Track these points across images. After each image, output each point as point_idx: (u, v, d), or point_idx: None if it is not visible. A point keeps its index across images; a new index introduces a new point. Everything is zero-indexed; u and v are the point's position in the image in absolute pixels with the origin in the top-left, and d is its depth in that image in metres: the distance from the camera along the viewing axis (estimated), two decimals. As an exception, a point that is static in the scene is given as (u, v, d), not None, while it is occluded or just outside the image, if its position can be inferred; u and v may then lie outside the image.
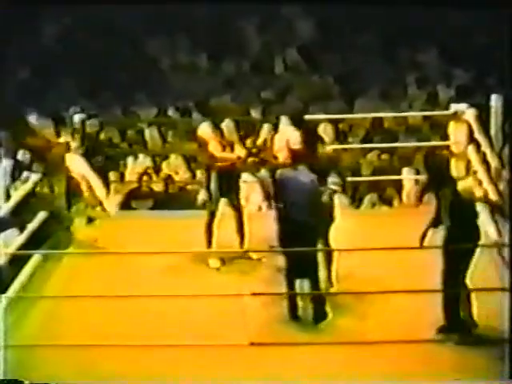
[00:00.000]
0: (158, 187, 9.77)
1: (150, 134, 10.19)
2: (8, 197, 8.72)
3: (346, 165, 9.81)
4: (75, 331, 6.87)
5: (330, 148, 7.35)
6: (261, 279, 7.53)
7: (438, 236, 6.90)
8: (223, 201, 7.96)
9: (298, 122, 7.92)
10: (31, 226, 8.13)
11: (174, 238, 8.01)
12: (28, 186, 8.53)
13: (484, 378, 6.23)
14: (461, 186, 6.79)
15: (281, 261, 7.58)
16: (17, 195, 8.31)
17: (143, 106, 10.74)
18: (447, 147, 9.45)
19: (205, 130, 8.01)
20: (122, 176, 9.81)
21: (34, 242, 7.97)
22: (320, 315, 7.07)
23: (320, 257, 7.24)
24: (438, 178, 6.89)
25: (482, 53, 9.88)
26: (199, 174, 8.69)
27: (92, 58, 10.92)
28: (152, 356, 6.50)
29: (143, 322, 6.93)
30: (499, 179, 8.16)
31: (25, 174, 9.09)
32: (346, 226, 7.65)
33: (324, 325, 7.01)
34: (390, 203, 9.78)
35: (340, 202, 8.13)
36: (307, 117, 8.11)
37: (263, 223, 7.92)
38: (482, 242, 7.82)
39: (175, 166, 9.76)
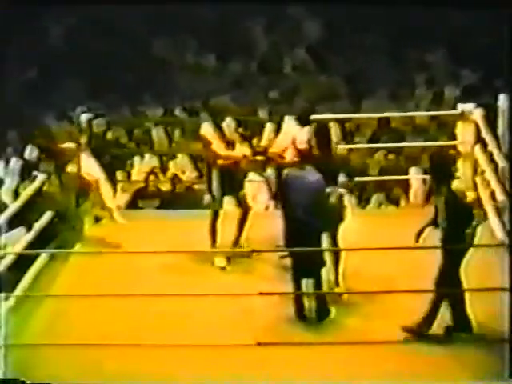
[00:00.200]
0: (164, 187, 9.78)
1: (157, 133, 10.21)
2: (16, 196, 8.74)
3: (354, 165, 9.81)
4: (81, 330, 6.87)
5: (338, 148, 7.33)
6: (267, 278, 7.54)
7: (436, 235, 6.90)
8: (227, 199, 7.96)
9: (305, 121, 7.91)
10: (38, 225, 8.14)
11: (181, 237, 8.01)
12: (35, 185, 8.54)
13: (484, 378, 6.21)
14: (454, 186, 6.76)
15: (287, 260, 7.58)
16: (24, 194, 8.33)
17: (150, 105, 10.76)
18: (454, 147, 9.45)
19: (207, 129, 8.01)
20: (128, 175, 9.83)
21: (41, 241, 7.98)
22: (326, 315, 7.06)
23: (327, 256, 7.23)
24: (438, 176, 6.87)
25: (489, 53, 9.86)
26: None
27: (99, 59, 10.94)
28: (158, 356, 6.49)
29: (149, 322, 6.93)
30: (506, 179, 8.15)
31: (33, 173, 9.12)
32: (353, 225, 7.63)
33: (330, 324, 7.00)
34: (396, 203, 9.77)
35: (348, 202, 8.12)
36: (313, 117, 8.09)
37: (270, 222, 7.92)
38: (488, 241, 7.82)
39: (182, 166, 9.78)
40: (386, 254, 7.06)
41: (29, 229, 8.13)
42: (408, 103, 10.59)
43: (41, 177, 8.69)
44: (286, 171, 7.14)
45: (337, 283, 7.30)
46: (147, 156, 9.86)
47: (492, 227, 8.20)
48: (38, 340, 6.78)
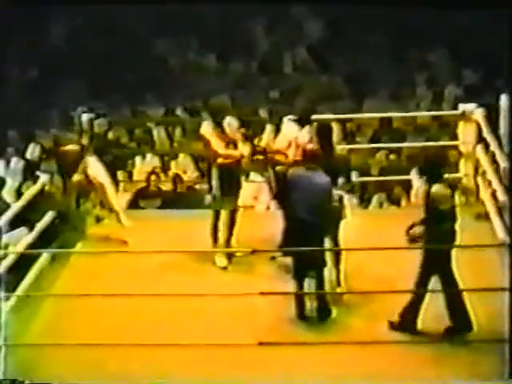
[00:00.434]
0: (166, 186, 9.77)
1: (158, 133, 10.21)
2: (18, 196, 8.74)
3: (355, 165, 9.81)
4: (82, 330, 6.86)
5: (338, 148, 7.32)
6: (268, 278, 7.53)
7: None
8: (227, 199, 7.94)
9: (305, 121, 7.90)
10: (40, 225, 8.13)
11: (182, 237, 8.00)
12: (37, 185, 8.54)
13: (484, 378, 6.21)
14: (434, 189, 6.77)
15: (288, 260, 7.58)
16: (27, 195, 8.32)
17: (151, 105, 10.77)
18: (456, 147, 9.44)
19: (207, 127, 7.99)
20: (130, 175, 9.83)
21: (42, 241, 7.97)
22: (327, 314, 7.06)
23: (328, 256, 7.22)
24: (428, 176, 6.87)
25: (490, 53, 9.86)
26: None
27: (100, 59, 10.95)
28: (160, 355, 6.49)
29: (150, 321, 6.92)
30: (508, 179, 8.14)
31: (36, 173, 9.11)
32: (355, 225, 7.63)
33: (332, 324, 6.99)
34: (398, 203, 9.76)
35: (347, 202, 8.11)
36: (314, 117, 8.08)
37: (271, 222, 7.91)
38: (489, 241, 7.81)
39: (183, 166, 9.77)
40: (387, 254, 7.05)
41: (31, 229, 8.12)
42: (409, 103, 10.60)
43: (43, 177, 8.67)
44: (290, 171, 7.11)
45: (338, 283, 7.29)
46: (148, 156, 9.85)
47: (494, 227, 8.21)
48: (40, 340, 6.78)
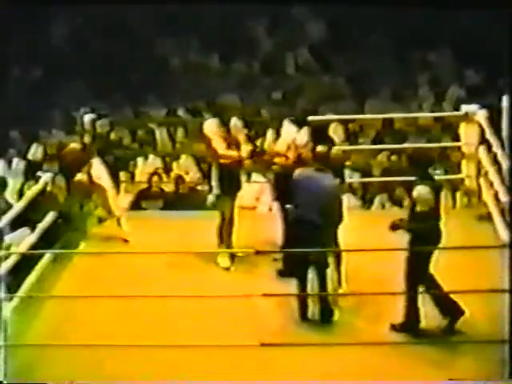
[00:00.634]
0: (168, 187, 9.77)
1: (161, 134, 10.21)
2: (20, 196, 8.73)
3: (357, 165, 9.81)
4: (84, 331, 6.87)
5: (337, 149, 7.31)
6: (271, 279, 7.53)
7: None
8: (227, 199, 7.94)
9: (303, 123, 7.90)
10: (42, 226, 8.14)
11: (184, 238, 8.01)
12: (39, 185, 8.54)
13: (484, 378, 6.21)
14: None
15: (280, 263, 7.61)
16: (28, 195, 8.32)
17: (154, 106, 10.77)
18: (458, 148, 9.44)
19: (209, 126, 7.98)
20: (132, 176, 9.83)
21: (44, 242, 7.97)
22: (329, 316, 7.06)
23: (330, 258, 7.22)
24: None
25: (493, 54, 9.86)
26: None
27: (102, 59, 10.94)
28: (161, 356, 6.49)
29: (153, 322, 6.93)
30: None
31: (38, 173, 9.11)
32: (356, 226, 7.63)
33: (334, 325, 6.99)
34: (400, 204, 9.76)
35: (349, 202, 8.12)
36: (311, 118, 8.07)
37: (274, 224, 7.91)
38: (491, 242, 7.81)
39: (185, 167, 9.77)
40: (388, 255, 7.05)
41: (32, 229, 8.12)
42: (411, 104, 10.59)
43: (45, 177, 8.68)
44: (298, 172, 7.11)
45: (339, 284, 7.29)
46: (151, 157, 9.85)
47: (497, 228, 8.21)
48: (42, 340, 6.78)
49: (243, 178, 9.18)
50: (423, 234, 6.74)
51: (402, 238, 6.90)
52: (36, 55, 11.03)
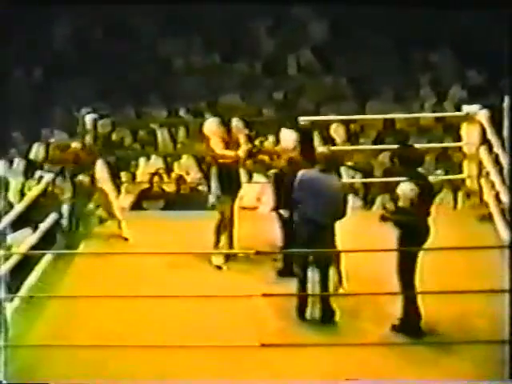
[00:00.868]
0: (169, 188, 9.78)
1: (162, 134, 10.22)
2: (21, 196, 8.74)
3: (358, 166, 9.82)
4: (85, 331, 6.87)
5: (323, 148, 7.29)
6: (271, 280, 7.54)
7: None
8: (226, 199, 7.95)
9: (291, 126, 7.90)
10: (43, 226, 8.14)
11: (185, 238, 8.01)
12: (41, 185, 8.54)
13: (484, 378, 6.20)
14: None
15: (279, 263, 7.61)
16: (30, 195, 8.32)
17: (155, 106, 10.78)
18: (459, 148, 9.42)
19: (209, 126, 7.98)
20: (133, 176, 9.84)
21: (46, 242, 7.98)
22: (330, 316, 7.05)
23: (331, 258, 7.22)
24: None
25: (495, 54, 9.85)
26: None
27: (104, 59, 10.95)
28: (162, 356, 6.49)
29: (153, 323, 6.92)
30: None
31: (38, 173, 9.13)
32: (358, 226, 7.63)
33: (334, 326, 6.99)
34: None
35: (351, 203, 8.10)
36: (301, 118, 8.06)
37: (275, 224, 7.91)
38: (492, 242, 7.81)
39: (187, 167, 9.78)
40: (389, 255, 7.04)
41: (34, 229, 8.13)
42: (413, 104, 10.59)
43: (46, 177, 8.69)
44: (301, 172, 7.12)
45: (340, 284, 7.29)
46: (152, 157, 9.85)
47: (498, 228, 8.19)
48: (43, 341, 6.78)
49: (244, 178, 9.21)
50: (410, 229, 6.77)
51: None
52: (38, 55, 11.05)
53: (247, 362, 6.44)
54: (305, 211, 6.95)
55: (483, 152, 8.96)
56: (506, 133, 8.97)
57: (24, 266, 7.44)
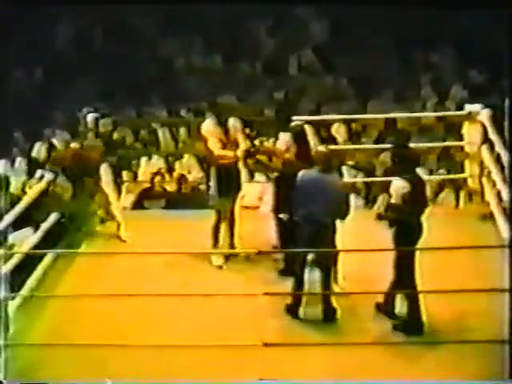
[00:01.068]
0: (170, 187, 9.78)
1: (163, 134, 10.22)
2: (23, 195, 8.72)
3: (360, 165, 9.81)
4: (86, 331, 6.87)
5: (317, 149, 7.30)
6: (272, 279, 7.54)
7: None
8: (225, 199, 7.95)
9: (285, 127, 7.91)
10: (45, 226, 8.14)
11: (187, 237, 8.01)
12: (42, 185, 8.54)
13: (484, 378, 6.20)
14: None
15: (281, 263, 7.61)
16: (31, 194, 8.32)
17: (156, 106, 10.78)
18: (461, 148, 9.42)
19: (206, 126, 7.98)
20: (135, 176, 9.83)
21: (48, 242, 7.98)
22: (332, 315, 7.05)
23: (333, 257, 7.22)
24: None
25: (496, 54, 9.85)
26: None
27: (106, 59, 10.95)
28: (163, 356, 6.48)
29: (154, 322, 6.92)
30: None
31: (39, 172, 9.12)
32: (359, 225, 7.63)
33: (336, 325, 6.99)
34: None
35: (353, 202, 8.10)
36: (295, 118, 8.07)
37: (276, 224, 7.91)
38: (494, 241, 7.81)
39: (188, 166, 9.77)
40: (391, 254, 7.04)
41: (36, 229, 8.12)
42: (414, 104, 10.58)
43: (47, 176, 8.68)
44: (302, 172, 7.12)
45: (336, 282, 7.29)
46: (153, 156, 9.85)
47: (499, 228, 8.19)
48: (44, 340, 6.78)
49: (246, 177, 9.20)
50: (404, 226, 6.78)
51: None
52: (40, 55, 11.05)
53: (249, 361, 6.44)
54: (306, 212, 6.95)
55: (485, 151, 8.96)
56: (506, 133, 8.97)
57: (26, 265, 7.44)
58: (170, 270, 7.68)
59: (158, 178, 9.77)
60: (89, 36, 11.28)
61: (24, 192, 8.83)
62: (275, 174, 7.94)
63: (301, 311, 7.06)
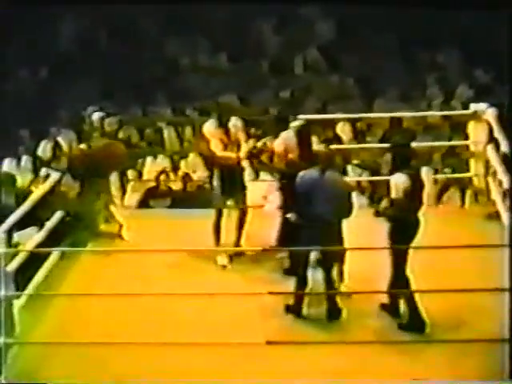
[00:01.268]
0: (176, 186, 9.78)
1: (169, 133, 10.22)
2: (29, 194, 8.73)
3: (365, 164, 9.79)
4: (90, 330, 6.88)
5: (318, 148, 7.30)
6: (276, 278, 7.54)
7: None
8: (230, 199, 7.95)
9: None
10: (50, 224, 8.15)
11: (192, 236, 8.01)
12: (47, 184, 8.55)
13: (484, 378, 6.18)
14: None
15: (285, 261, 7.60)
16: (37, 193, 8.33)
17: (162, 105, 10.79)
18: (466, 147, 9.41)
19: (208, 127, 7.98)
20: (140, 174, 9.84)
21: (53, 240, 7.99)
22: (337, 314, 7.05)
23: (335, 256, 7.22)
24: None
25: (502, 53, 9.83)
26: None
27: (111, 58, 10.97)
28: (167, 354, 6.49)
29: (160, 321, 6.93)
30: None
31: (43, 170, 9.14)
32: (365, 224, 7.62)
33: (339, 323, 6.99)
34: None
35: (358, 201, 8.10)
36: (300, 117, 8.06)
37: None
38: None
39: (193, 165, 9.78)
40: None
41: (41, 227, 8.14)
42: (420, 103, 10.57)
43: (53, 176, 8.70)
44: (300, 173, 7.12)
45: (341, 281, 7.29)
46: (159, 156, 9.86)
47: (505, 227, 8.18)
48: (49, 338, 6.79)
49: (251, 176, 9.21)
50: (401, 222, 6.78)
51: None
52: (45, 55, 11.07)
53: (253, 360, 6.44)
54: (308, 211, 6.95)
55: (490, 150, 8.95)
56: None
57: (30, 264, 7.45)
58: (175, 268, 7.69)
59: (163, 177, 9.78)
60: (94, 35, 11.30)
61: (30, 190, 8.83)
62: (278, 174, 7.94)
63: (304, 310, 7.06)
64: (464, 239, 7.67)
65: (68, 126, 10.19)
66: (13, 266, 6.99)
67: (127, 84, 10.78)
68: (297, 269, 7.22)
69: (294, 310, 7.06)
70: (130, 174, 9.74)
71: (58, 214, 8.33)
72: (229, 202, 7.96)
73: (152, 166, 9.83)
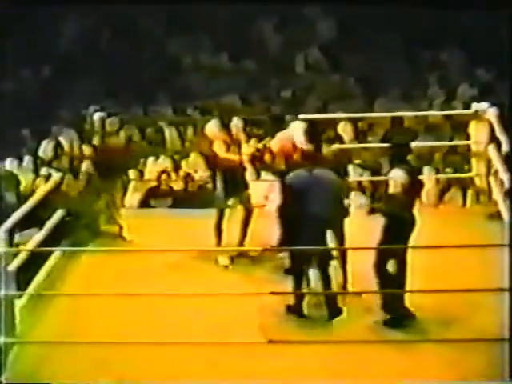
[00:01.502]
0: (177, 186, 9.79)
1: (170, 132, 10.24)
2: (31, 194, 8.74)
3: (366, 164, 9.80)
4: (92, 329, 6.88)
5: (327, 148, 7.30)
6: (277, 277, 7.54)
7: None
8: (232, 199, 7.96)
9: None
10: (51, 223, 8.15)
11: (193, 236, 8.02)
12: (48, 184, 8.56)
13: (484, 378, 6.18)
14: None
15: (286, 261, 7.60)
16: (39, 193, 8.34)
17: (163, 105, 10.80)
18: (468, 146, 9.41)
19: (210, 128, 7.98)
20: (141, 174, 9.85)
21: (54, 240, 8.00)
22: (336, 314, 7.05)
23: (335, 255, 7.22)
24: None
25: (503, 53, 9.83)
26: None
27: (112, 58, 10.98)
28: (168, 354, 6.49)
29: (160, 321, 6.94)
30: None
31: (44, 170, 9.15)
32: (365, 224, 7.63)
33: (340, 323, 6.99)
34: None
35: (359, 201, 8.11)
36: (301, 116, 8.06)
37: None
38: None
39: (194, 165, 9.79)
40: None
41: (42, 227, 8.14)
42: (421, 103, 10.58)
43: (55, 176, 8.71)
44: (290, 175, 7.12)
45: (345, 284, 7.28)
46: (161, 156, 9.87)
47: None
48: (50, 338, 6.79)
49: (252, 176, 9.20)
50: (396, 219, 6.78)
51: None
52: (47, 54, 11.08)
53: (254, 359, 6.44)
54: (303, 211, 6.95)
55: (492, 150, 8.94)
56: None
57: (32, 263, 7.45)
58: (176, 268, 7.69)
59: (164, 177, 9.79)
60: (96, 35, 11.31)
61: (32, 190, 8.85)
62: (278, 174, 7.93)
63: (305, 310, 7.06)
64: (465, 239, 7.66)
65: (69, 126, 10.20)
66: (14, 265, 6.99)
67: (128, 83, 10.79)
68: (295, 268, 7.22)
69: (295, 310, 7.06)
70: (132, 173, 9.76)
71: (59, 213, 8.33)
72: (230, 203, 7.96)
73: (153, 166, 9.84)
